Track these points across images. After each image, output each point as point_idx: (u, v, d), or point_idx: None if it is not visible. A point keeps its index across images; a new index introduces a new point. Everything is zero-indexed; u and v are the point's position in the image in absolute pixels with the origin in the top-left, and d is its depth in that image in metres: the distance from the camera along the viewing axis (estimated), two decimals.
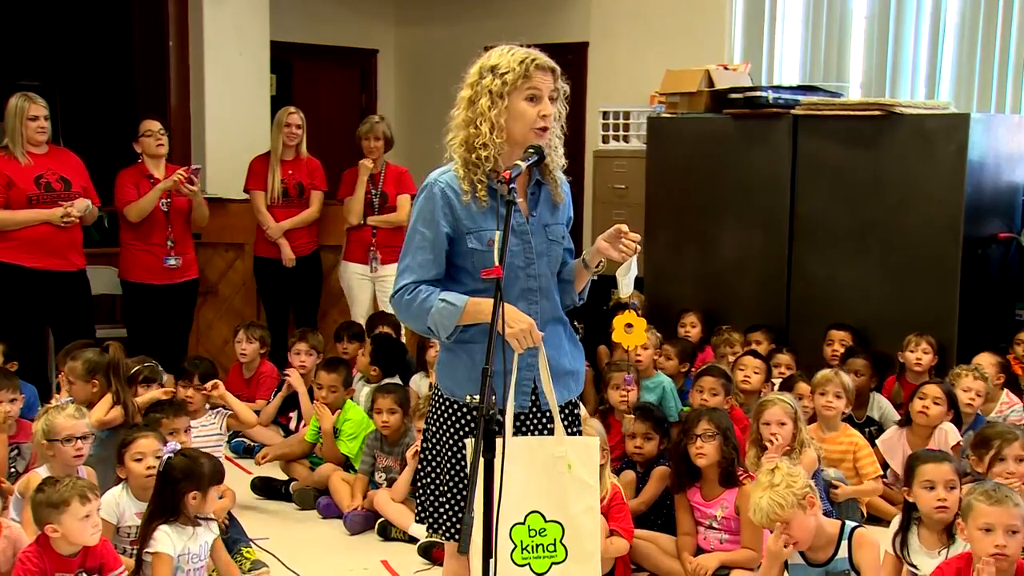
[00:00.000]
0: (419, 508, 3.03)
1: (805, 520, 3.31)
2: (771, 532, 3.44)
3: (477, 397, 2.57)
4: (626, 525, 3.84)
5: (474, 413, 2.82)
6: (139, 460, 3.71)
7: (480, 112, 2.79)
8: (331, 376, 5.13)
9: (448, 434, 2.90)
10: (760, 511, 3.32)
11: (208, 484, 3.57)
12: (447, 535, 2.95)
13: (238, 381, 6.05)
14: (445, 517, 2.93)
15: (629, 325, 2.92)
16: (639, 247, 2.86)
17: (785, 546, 3.31)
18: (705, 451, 3.91)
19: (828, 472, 4.34)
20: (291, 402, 5.71)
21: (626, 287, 2.90)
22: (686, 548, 3.99)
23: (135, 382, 4.83)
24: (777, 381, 5.19)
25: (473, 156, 2.80)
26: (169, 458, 3.58)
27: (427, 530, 3.02)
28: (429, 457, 2.97)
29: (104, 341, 4.76)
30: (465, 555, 2.73)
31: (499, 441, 2.48)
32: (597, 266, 2.95)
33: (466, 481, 2.86)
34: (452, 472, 2.90)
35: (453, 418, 2.90)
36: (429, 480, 2.98)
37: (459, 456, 2.89)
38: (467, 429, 2.87)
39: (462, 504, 2.86)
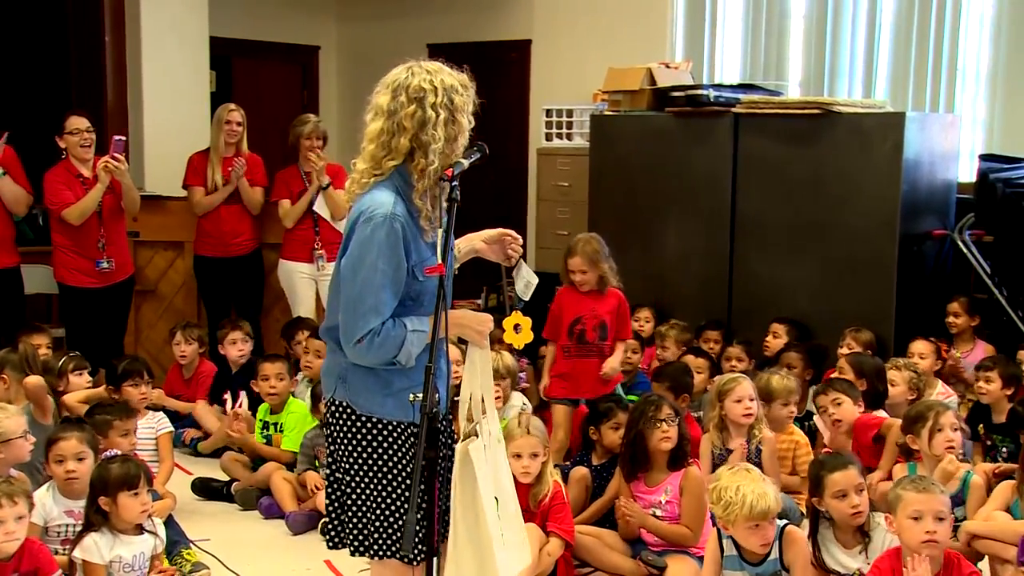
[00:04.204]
0: (341, 535, 2.90)
1: (745, 534, 3.38)
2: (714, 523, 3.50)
3: (420, 395, 2.57)
4: (566, 526, 3.85)
5: (388, 430, 2.76)
6: (60, 462, 3.69)
7: (462, 131, 2.74)
8: (276, 365, 5.09)
9: (364, 451, 2.79)
10: (766, 501, 3.33)
11: (115, 490, 3.46)
12: (387, 554, 2.82)
13: (178, 381, 5.97)
14: (384, 536, 2.81)
15: (517, 326, 2.96)
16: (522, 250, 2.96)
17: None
18: (670, 434, 3.96)
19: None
20: (227, 384, 5.68)
21: (526, 291, 2.96)
22: (624, 531, 4.05)
23: (64, 374, 4.86)
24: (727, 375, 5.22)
25: (430, 182, 2.71)
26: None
27: (356, 553, 2.90)
28: (340, 475, 2.83)
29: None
30: (412, 561, 2.72)
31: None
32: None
33: (403, 498, 2.78)
34: (379, 488, 2.79)
35: (360, 429, 2.79)
36: (342, 501, 2.86)
37: (384, 472, 2.78)
38: (386, 444, 2.76)
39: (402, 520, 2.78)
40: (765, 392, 4.54)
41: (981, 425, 4.73)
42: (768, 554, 3.40)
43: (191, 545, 4.11)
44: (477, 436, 2.74)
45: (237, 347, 5.75)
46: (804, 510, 4.40)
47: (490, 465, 2.81)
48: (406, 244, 2.70)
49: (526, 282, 2.96)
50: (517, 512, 2.94)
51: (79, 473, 3.65)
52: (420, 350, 2.72)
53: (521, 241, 2.99)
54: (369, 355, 2.70)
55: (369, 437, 2.78)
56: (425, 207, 2.71)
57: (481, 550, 2.73)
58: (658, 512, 3.99)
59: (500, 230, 2.95)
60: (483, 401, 2.83)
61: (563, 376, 4.84)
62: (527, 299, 3.00)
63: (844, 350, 5.29)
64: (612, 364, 4.77)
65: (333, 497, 2.90)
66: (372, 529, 2.82)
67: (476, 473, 2.70)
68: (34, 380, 4.33)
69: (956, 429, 3.88)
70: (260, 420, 5.11)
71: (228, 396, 5.59)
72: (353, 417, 2.79)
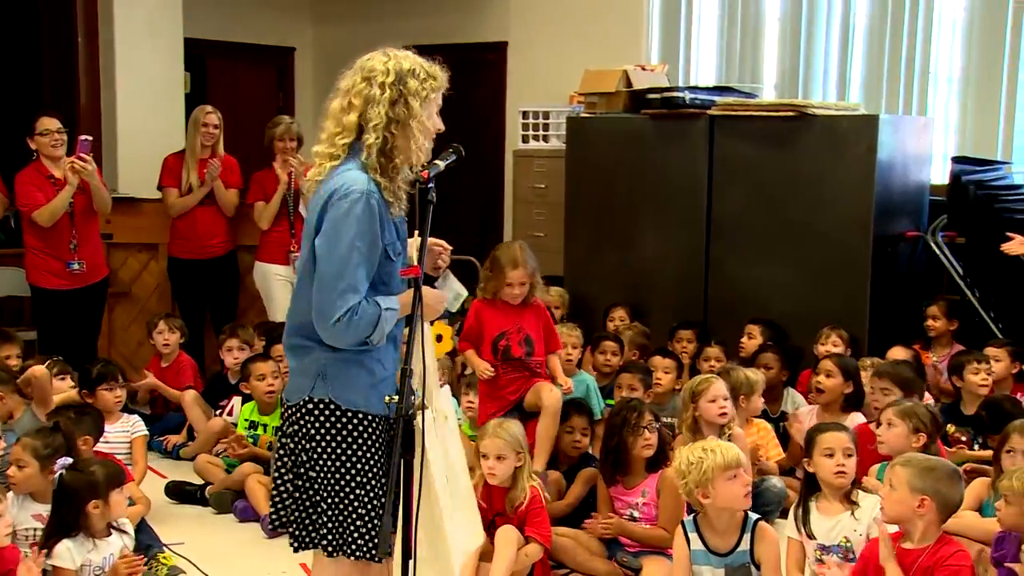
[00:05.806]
0: (320, 536, 2.88)
1: (727, 487, 3.36)
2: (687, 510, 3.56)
3: (395, 398, 2.56)
4: (543, 531, 3.84)
5: (374, 425, 2.79)
6: (23, 467, 3.66)
7: (414, 115, 2.74)
8: (269, 363, 5.07)
9: (349, 448, 2.80)
10: (732, 449, 3.41)
11: (107, 490, 3.49)
12: (366, 555, 2.82)
13: (155, 374, 5.92)
14: (351, 530, 2.81)
15: (439, 336, 3.02)
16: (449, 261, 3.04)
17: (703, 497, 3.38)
18: (652, 441, 3.99)
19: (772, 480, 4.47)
20: (225, 391, 5.61)
21: (455, 302, 3.04)
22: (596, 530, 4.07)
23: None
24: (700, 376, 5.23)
25: (392, 163, 2.76)
26: (62, 475, 3.52)
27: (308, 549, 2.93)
28: (313, 475, 2.82)
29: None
30: (388, 558, 2.72)
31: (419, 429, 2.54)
32: None
33: (378, 491, 2.80)
34: (360, 484, 2.79)
35: (345, 425, 2.80)
36: (314, 502, 2.85)
37: (368, 467, 2.80)
38: (371, 439, 2.79)
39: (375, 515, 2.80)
40: (747, 386, 4.61)
41: (951, 424, 4.76)
42: (736, 546, 3.40)
43: (165, 549, 4.09)
44: (425, 408, 2.69)
45: (232, 354, 5.64)
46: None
47: (438, 441, 2.83)
48: (381, 222, 2.74)
49: (456, 293, 3.01)
50: (469, 492, 2.99)
51: (16, 479, 3.64)
52: (391, 328, 2.78)
53: (450, 251, 3.01)
54: (347, 335, 2.72)
55: (356, 433, 2.78)
56: (382, 181, 2.75)
57: (433, 525, 2.72)
58: (636, 514, 4.01)
59: (431, 239, 2.96)
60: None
61: (489, 395, 4.57)
62: (455, 310, 3.04)
63: (828, 347, 5.32)
64: (564, 382, 4.61)
65: (301, 499, 2.86)
66: (351, 528, 2.81)
67: (425, 445, 2.67)
68: (41, 370, 4.27)
69: (891, 425, 3.95)
70: (245, 420, 5.07)
71: (226, 402, 5.54)
72: (338, 413, 2.78)
